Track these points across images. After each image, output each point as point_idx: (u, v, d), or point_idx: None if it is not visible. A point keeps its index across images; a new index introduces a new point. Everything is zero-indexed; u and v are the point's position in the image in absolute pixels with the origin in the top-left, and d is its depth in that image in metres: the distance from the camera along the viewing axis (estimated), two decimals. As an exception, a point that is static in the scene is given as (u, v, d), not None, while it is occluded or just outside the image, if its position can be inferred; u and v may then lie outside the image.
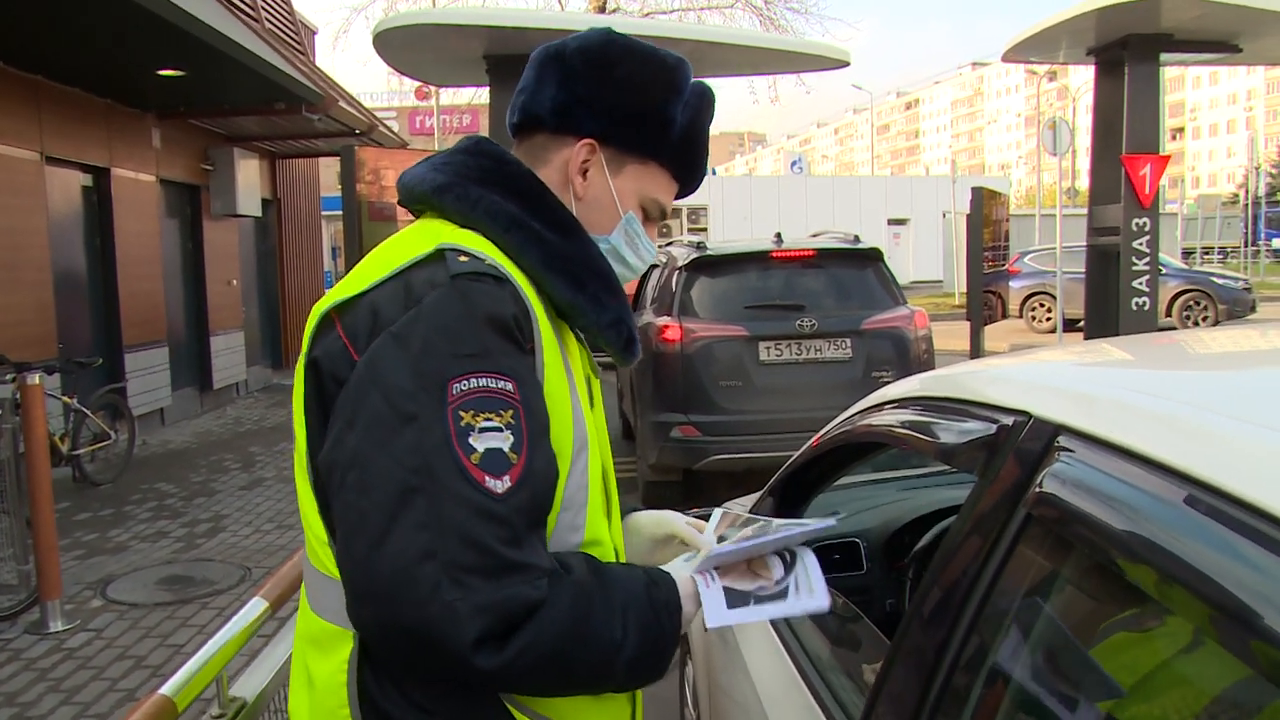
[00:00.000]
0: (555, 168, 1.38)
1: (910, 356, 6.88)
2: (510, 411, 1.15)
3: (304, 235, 16.40)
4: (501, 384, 1.15)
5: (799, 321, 6.78)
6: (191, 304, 12.26)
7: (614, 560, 1.35)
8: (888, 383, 6.79)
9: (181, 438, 10.72)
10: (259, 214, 13.55)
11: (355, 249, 6.57)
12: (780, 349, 6.79)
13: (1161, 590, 0.97)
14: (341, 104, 12.19)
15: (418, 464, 1.10)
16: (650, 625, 1.23)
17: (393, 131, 16.15)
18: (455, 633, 1.07)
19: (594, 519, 1.30)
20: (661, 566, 1.36)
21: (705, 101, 1.43)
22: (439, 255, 1.22)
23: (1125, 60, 9.15)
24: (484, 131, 10.26)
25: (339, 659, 1.22)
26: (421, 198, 1.35)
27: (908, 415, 1.72)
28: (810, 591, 1.42)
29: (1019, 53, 10.33)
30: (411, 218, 1.44)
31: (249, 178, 12.88)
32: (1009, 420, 1.35)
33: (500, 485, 1.12)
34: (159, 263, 11.00)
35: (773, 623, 2.08)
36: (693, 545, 1.48)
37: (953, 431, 1.49)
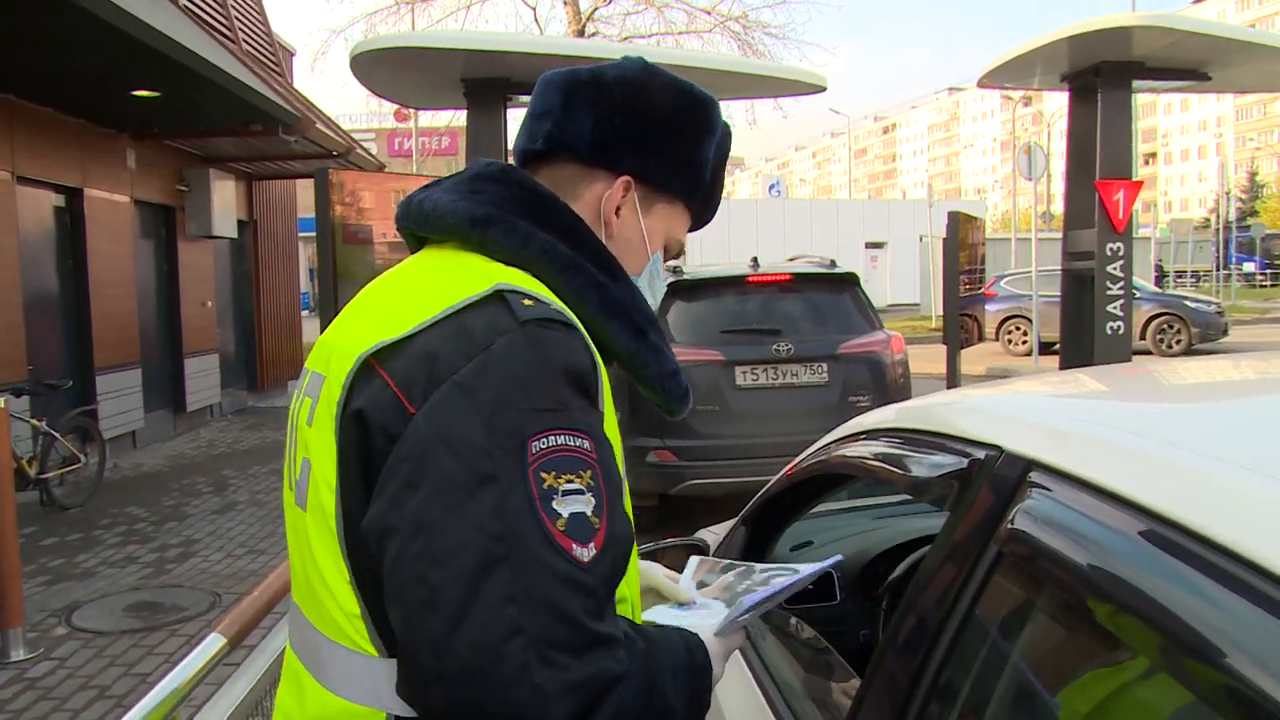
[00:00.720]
0: (587, 203, 1.29)
1: (887, 381, 6.88)
2: (589, 472, 1.06)
3: (281, 257, 16.30)
4: (580, 442, 1.06)
5: (775, 346, 6.78)
6: (165, 326, 12.15)
7: (636, 617, 1.29)
8: (865, 408, 6.88)
9: (154, 461, 10.59)
10: (235, 235, 13.47)
11: (329, 272, 6.51)
12: (756, 373, 6.79)
13: (1126, 629, 0.96)
14: (319, 126, 12.15)
15: (499, 530, 0.99)
16: (696, 692, 1.19)
17: (370, 154, 16.10)
18: (547, 715, 0.97)
19: (630, 575, 1.24)
20: (658, 617, 1.36)
21: (729, 140, 1.39)
22: (498, 297, 1.11)
23: (1098, 87, 9.21)
24: (461, 154, 10.23)
25: None
26: (450, 228, 1.23)
27: (880, 447, 1.70)
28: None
29: (994, 78, 10.40)
30: (394, 242, 1.36)
31: (225, 199, 12.80)
32: (981, 454, 1.33)
33: (586, 553, 1.03)
34: (132, 284, 10.91)
35: (743, 653, 2.04)
36: (672, 597, 1.49)
37: (925, 465, 1.47)
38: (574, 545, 1.02)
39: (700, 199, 1.36)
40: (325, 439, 1.12)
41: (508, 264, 1.19)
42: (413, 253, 1.34)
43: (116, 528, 7.67)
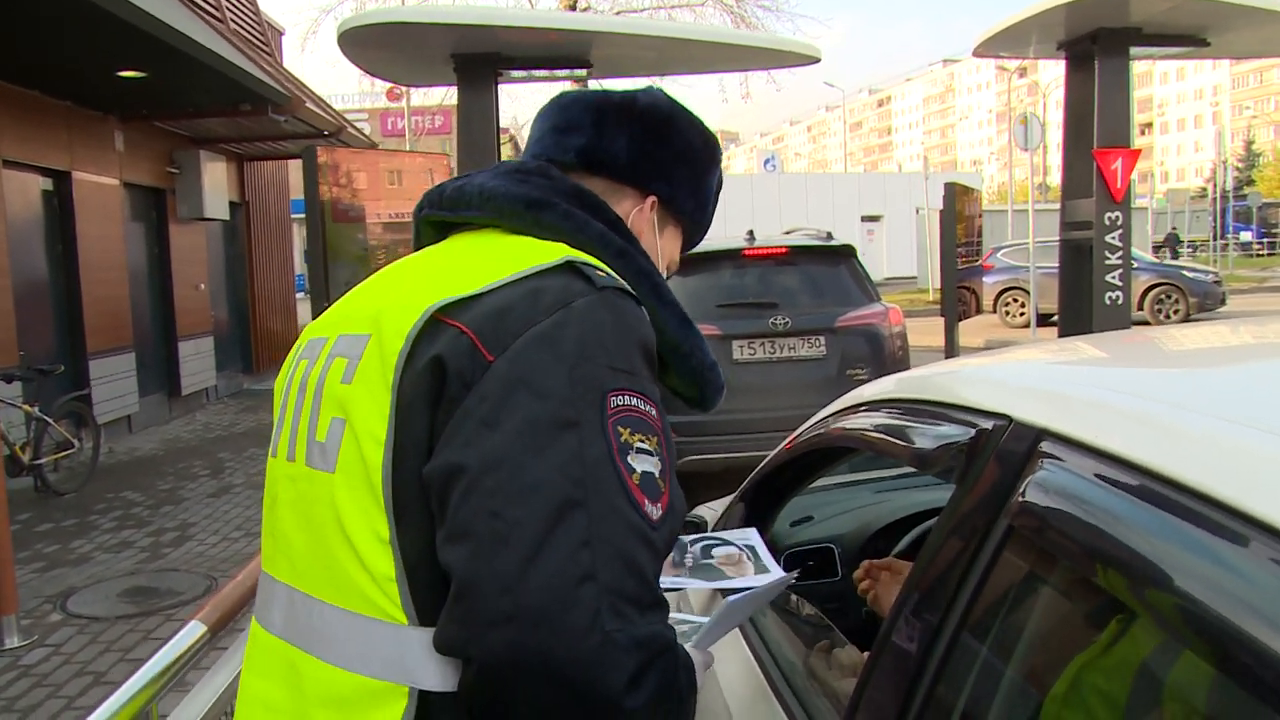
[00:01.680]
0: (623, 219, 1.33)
1: (885, 353, 6.83)
2: (656, 438, 1.08)
3: (274, 238, 16.21)
4: (649, 408, 1.08)
5: (772, 320, 6.72)
6: (158, 309, 12.08)
7: None
8: (863, 380, 6.80)
9: (149, 445, 10.54)
10: (227, 217, 13.37)
11: (319, 252, 6.43)
12: (754, 347, 6.73)
13: (1145, 603, 0.92)
14: (309, 105, 12.04)
15: (579, 475, 1.00)
16: (692, 688, 1.14)
17: (363, 133, 15.99)
18: (613, 668, 0.95)
19: None
20: None
21: (721, 175, 1.50)
22: (569, 267, 1.14)
23: (1095, 54, 9.12)
24: (453, 132, 10.15)
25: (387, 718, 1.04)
26: (500, 209, 1.25)
27: (881, 418, 1.65)
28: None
29: (989, 47, 10.28)
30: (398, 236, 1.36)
31: (215, 180, 12.70)
32: (988, 424, 1.27)
33: (656, 511, 1.04)
34: (124, 268, 10.82)
35: (743, 631, 2.00)
36: None
37: (928, 436, 1.42)
38: (646, 501, 1.03)
39: (700, 225, 1.47)
40: (375, 393, 1.08)
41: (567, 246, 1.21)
42: (426, 242, 1.36)
43: (112, 512, 7.63)
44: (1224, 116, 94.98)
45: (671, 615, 1.67)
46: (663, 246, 1.41)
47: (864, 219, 34.67)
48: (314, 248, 6.41)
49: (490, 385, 1.04)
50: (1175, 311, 18.57)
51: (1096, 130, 9.08)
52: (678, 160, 1.39)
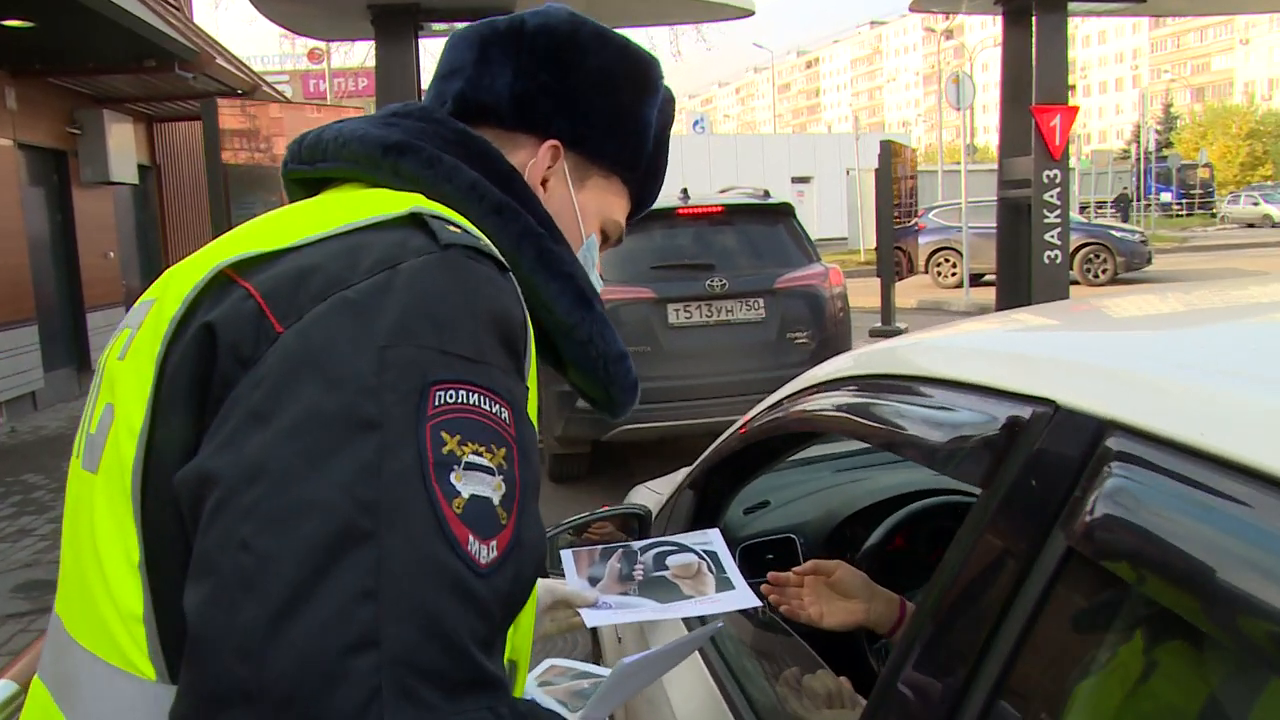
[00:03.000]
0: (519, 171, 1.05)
1: (826, 316, 6.58)
2: (504, 451, 0.78)
3: (189, 202, 15.49)
4: (497, 409, 0.79)
5: (709, 281, 6.43)
6: (63, 279, 11.43)
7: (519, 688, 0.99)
8: (804, 344, 6.56)
9: (56, 422, 9.97)
10: (136, 181, 12.71)
11: (222, 214, 5.99)
12: (690, 311, 6.44)
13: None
14: (219, 61, 11.42)
15: (371, 496, 0.70)
16: None
17: (283, 95, 15.35)
18: None
19: (523, 622, 0.94)
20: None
21: (672, 106, 1.19)
22: (414, 220, 0.86)
23: (1033, 9, 8.95)
24: (374, 94, 9.72)
25: None
26: (354, 156, 0.99)
27: (868, 399, 1.35)
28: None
29: (927, 2, 10.10)
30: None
31: (122, 142, 12.00)
32: (1024, 411, 0.98)
33: (485, 552, 0.74)
34: (22, 235, 10.15)
35: (701, 648, 1.71)
36: (578, 601, 1.40)
37: (940, 426, 1.13)
38: (471, 538, 0.73)
39: (641, 172, 1.17)
40: (141, 370, 0.82)
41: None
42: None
43: (10, 497, 7.13)
44: (1143, 80, 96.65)
45: (572, 667, 1.41)
46: (584, 202, 1.12)
47: (794, 180, 34.51)
48: (216, 210, 5.97)
49: (271, 365, 0.76)
50: (1104, 271, 18.70)
51: (1035, 87, 8.94)
52: (590, 89, 1.09)
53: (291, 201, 1.06)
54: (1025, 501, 0.92)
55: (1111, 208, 32.75)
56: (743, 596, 1.41)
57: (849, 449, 2.53)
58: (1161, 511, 0.77)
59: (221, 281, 0.82)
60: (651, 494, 2.54)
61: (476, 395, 0.77)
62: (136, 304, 0.93)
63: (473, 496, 0.74)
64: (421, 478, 0.72)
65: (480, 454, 0.76)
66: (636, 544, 1.54)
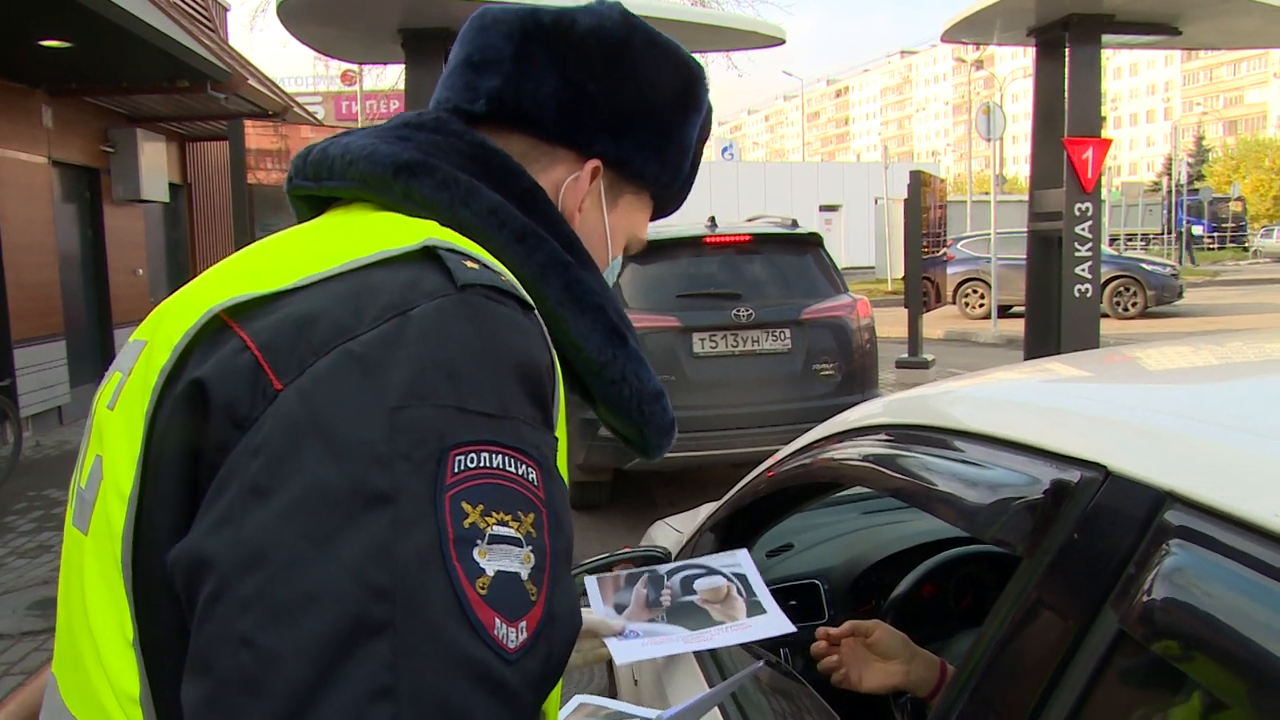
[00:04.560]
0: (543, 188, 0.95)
1: (853, 347, 6.50)
2: (532, 517, 0.71)
3: (219, 222, 15.59)
4: (524, 470, 0.71)
5: (735, 311, 6.36)
6: (93, 295, 11.49)
7: None
8: (829, 376, 6.48)
9: (81, 437, 9.99)
10: (167, 199, 12.78)
11: (245, 234, 6.00)
12: (715, 340, 6.38)
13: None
14: (252, 82, 11.50)
15: (384, 582, 0.64)
16: None
17: (315, 117, 15.45)
18: None
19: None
20: None
21: (710, 119, 1.10)
22: (428, 255, 0.78)
23: (1066, 41, 8.88)
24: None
25: None
26: (363, 176, 0.89)
27: (901, 452, 1.29)
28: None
29: (957, 33, 10.03)
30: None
31: (154, 161, 12.09)
32: (1071, 475, 0.92)
33: (514, 636, 0.67)
34: (53, 251, 10.23)
35: (720, 706, 1.64)
36: (604, 632, 1.36)
37: (974, 484, 1.06)
38: (498, 621, 0.66)
39: (675, 190, 1.08)
40: (130, 426, 0.75)
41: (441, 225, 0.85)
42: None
43: (32, 513, 7.13)
44: (1175, 112, 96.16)
45: (603, 707, 1.34)
46: (615, 223, 1.03)
47: (822, 208, 34.50)
48: (239, 232, 5.97)
49: (270, 431, 0.68)
50: (1134, 304, 18.49)
51: (1067, 119, 8.85)
52: (635, 107, 0.99)
53: (298, 218, 0.99)
54: (1072, 575, 0.86)
55: (1177, 243, 32.64)
56: (776, 622, 1.35)
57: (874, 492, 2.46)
58: (1226, 597, 0.71)
59: (215, 327, 0.75)
60: (672, 531, 2.47)
61: (501, 457, 0.70)
62: (129, 342, 0.86)
63: (498, 574, 0.67)
64: (441, 557, 0.65)
65: (506, 523, 0.69)
66: (663, 568, 1.48)
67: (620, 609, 1.40)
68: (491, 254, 0.84)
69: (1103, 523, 0.85)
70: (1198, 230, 43.75)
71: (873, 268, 30.22)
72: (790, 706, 1.64)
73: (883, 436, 1.36)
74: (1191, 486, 0.78)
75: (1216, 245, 44.05)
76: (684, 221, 7.91)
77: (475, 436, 0.69)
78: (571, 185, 0.97)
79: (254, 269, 0.81)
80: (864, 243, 32.58)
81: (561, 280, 0.88)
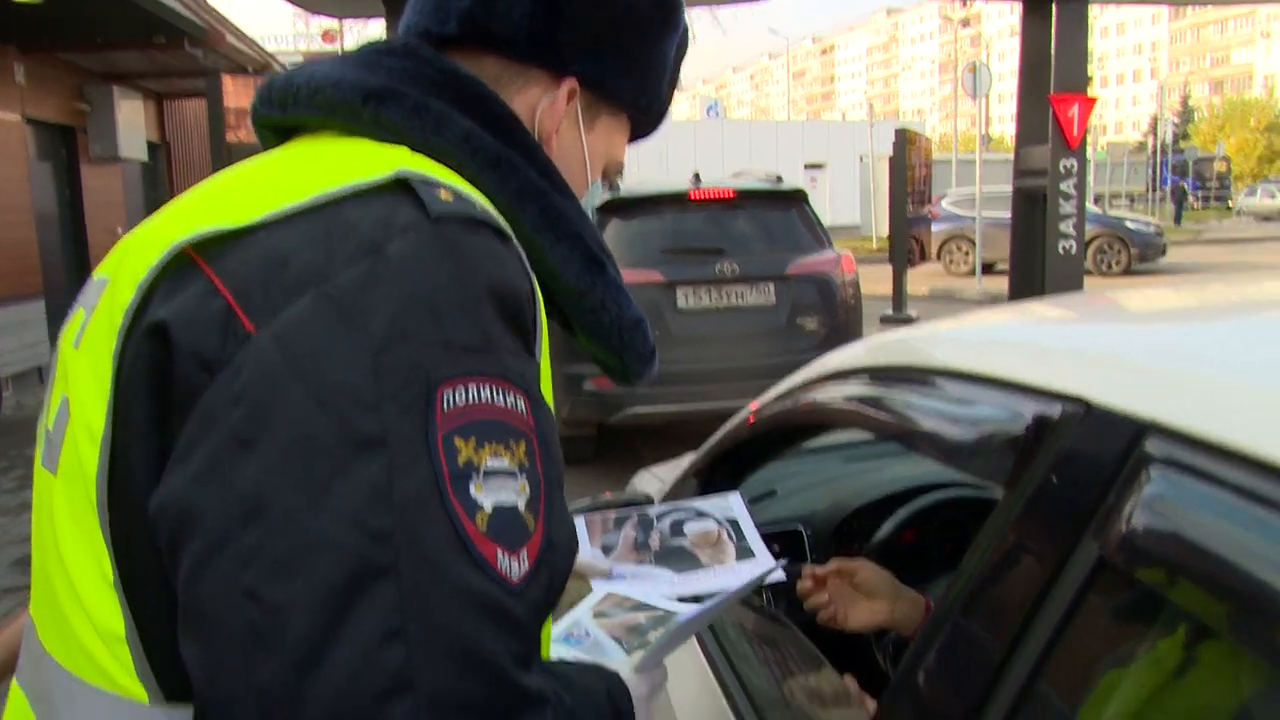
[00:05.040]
0: (516, 111, 0.93)
1: (837, 302, 6.51)
2: (524, 445, 0.71)
3: (199, 180, 15.44)
4: (512, 399, 0.72)
5: (719, 266, 6.36)
6: (71, 254, 11.40)
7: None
8: (814, 331, 6.49)
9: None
10: (145, 158, 12.66)
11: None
12: (699, 295, 6.37)
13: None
14: (230, 39, 11.34)
15: (384, 526, 0.64)
16: None
17: (291, 71, 15.23)
18: None
19: None
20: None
21: (687, 39, 1.07)
22: (400, 186, 0.76)
23: (1053, -3, 8.84)
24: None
25: None
26: (331, 104, 0.86)
27: (884, 392, 1.29)
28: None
29: (943, -13, 9.98)
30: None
31: (131, 119, 11.94)
32: (1052, 409, 0.92)
33: (516, 567, 0.68)
34: (29, 210, 10.12)
35: (700, 639, 1.65)
36: (591, 573, 1.34)
37: (957, 421, 1.06)
38: (500, 553, 0.67)
39: (653, 112, 1.06)
40: (97, 365, 0.75)
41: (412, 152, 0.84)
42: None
43: (13, 471, 7.12)
44: (1161, 72, 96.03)
45: (628, 598, 1.31)
46: (593, 146, 1.00)
47: (807, 166, 34.35)
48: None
49: (250, 379, 0.67)
50: (1117, 262, 18.54)
51: (1054, 76, 8.84)
52: (610, 25, 0.96)
53: (264, 147, 0.97)
54: (1053, 506, 0.86)
55: (1172, 200, 32.80)
56: (765, 566, 1.34)
57: (858, 439, 2.47)
58: (1205, 522, 0.71)
59: (181, 264, 0.73)
60: (655, 480, 2.48)
61: (489, 388, 0.70)
62: (92, 278, 0.85)
63: (496, 507, 0.68)
64: (439, 496, 0.66)
65: (499, 455, 0.69)
66: (652, 510, 1.47)
67: (608, 551, 1.40)
68: (465, 181, 0.83)
69: (1084, 454, 0.85)
70: (1183, 188, 43.86)
71: (858, 226, 30.21)
72: (775, 650, 1.66)
73: (865, 378, 1.36)
74: (1171, 416, 0.78)
75: (1201, 204, 44.11)
76: (668, 178, 7.88)
77: (460, 370, 0.69)
78: (548, 108, 0.95)
79: (220, 202, 0.79)
80: (849, 201, 32.50)
81: (538, 207, 0.87)
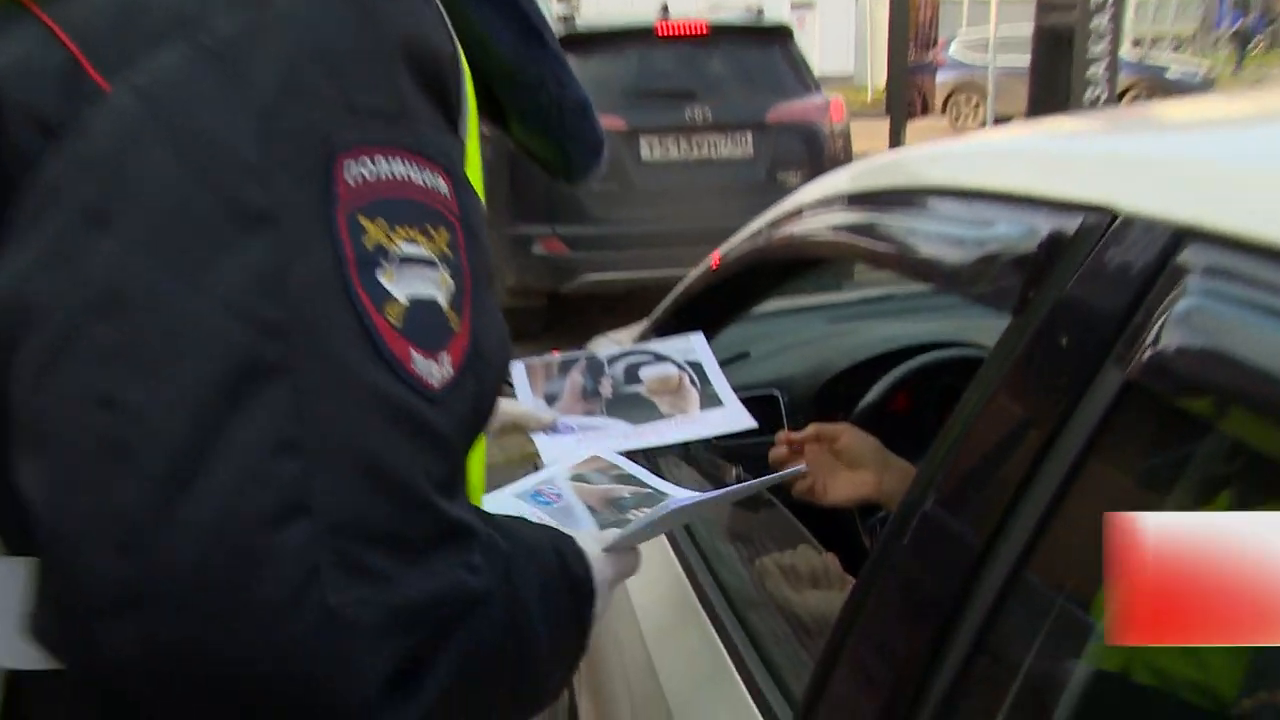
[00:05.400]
0: None
1: (825, 155, 6.47)
2: (445, 234, 0.68)
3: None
4: (431, 178, 0.68)
5: (689, 112, 6.28)
6: None
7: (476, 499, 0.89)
8: (796, 187, 6.49)
9: None
10: None
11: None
12: (666, 145, 6.31)
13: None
14: None
15: (275, 315, 0.60)
16: (578, 619, 0.82)
17: None
18: (346, 670, 0.58)
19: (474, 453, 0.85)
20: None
21: None
22: None
23: None
24: None
25: None
26: None
27: (873, 218, 1.25)
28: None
29: None
30: None
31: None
32: (1070, 222, 0.88)
33: (436, 372, 0.64)
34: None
35: (669, 536, 1.64)
36: (532, 424, 1.32)
37: (959, 242, 1.03)
38: (414, 353, 0.64)
39: None
40: None
41: None
42: None
43: None
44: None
45: (616, 466, 1.28)
46: None
47: (794, 6, 33.80)
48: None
49: (104, 143, 0.61)
50: (1149, 118, 18.46)
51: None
52: None
53: None
54: (1069, 331, 0.83)
55: (1233, 42, 32.50)
56: (734, 417, 1.32)
57: (843, 299, 2.46)
58: (1259, 335, 0.68)
59: (8, 10, 0.67)
60: (615, 347, 2.46)
61: (401, 163, 0.66)
62: None
63: (412, 300, 0.64)
64: (341, 283, 0.62)
65: (415, 240, 0.66)
66: (603, 353, 1.45)
67: (552, 400, 1.38)
68: None
69: (1109, 269, 0.82)
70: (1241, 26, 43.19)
71: (850, 76, 29.89)
72: (748, 524, 1.65)
73: (852, 204, 1.32)
74: (1213, 219, 0.75)
75: (1267, 45, 43.41)
76: (632, 9, 7.69)
77: (367, 138, 0.65)
78: None
79: None
80: (843, 47, 32.10)
81: None
